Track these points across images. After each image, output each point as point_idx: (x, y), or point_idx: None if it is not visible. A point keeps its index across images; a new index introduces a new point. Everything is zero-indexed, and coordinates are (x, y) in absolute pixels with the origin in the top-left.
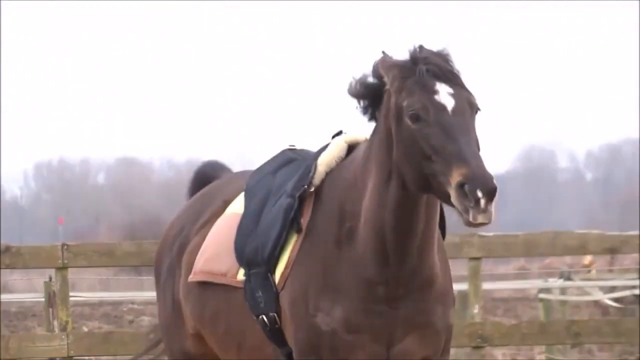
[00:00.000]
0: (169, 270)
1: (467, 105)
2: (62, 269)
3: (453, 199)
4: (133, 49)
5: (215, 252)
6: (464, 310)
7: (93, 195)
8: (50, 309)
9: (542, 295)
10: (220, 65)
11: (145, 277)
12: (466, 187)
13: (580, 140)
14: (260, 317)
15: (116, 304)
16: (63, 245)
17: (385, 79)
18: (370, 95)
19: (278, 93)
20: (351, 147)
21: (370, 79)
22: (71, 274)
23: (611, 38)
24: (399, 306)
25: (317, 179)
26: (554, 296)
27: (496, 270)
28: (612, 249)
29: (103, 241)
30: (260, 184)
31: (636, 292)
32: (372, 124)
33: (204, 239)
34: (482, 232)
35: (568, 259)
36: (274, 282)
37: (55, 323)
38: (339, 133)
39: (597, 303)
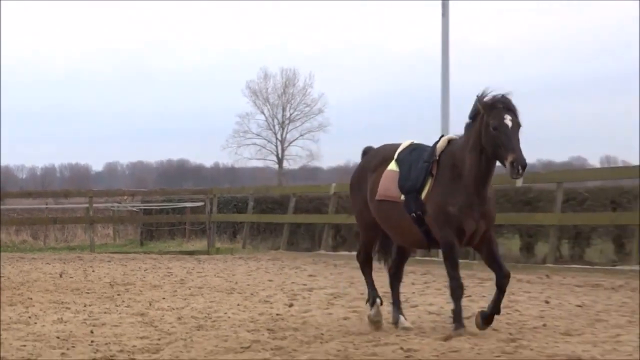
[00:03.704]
0: (358, 187)
1: (517, 125)
2: None
3: (507, 169)
4: None
5: (388, 186)
6: None
7: None
8: None
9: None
10: None
11: None
12: (514, 163)
13: None
14: (412, 214)
15: None
16: None
17: (481, 108)
18: (473, 114)
19: None
20: (449, 141)
21: (473, 108)
22: None
23: None
24: (481, 206)
25: (437, 154)
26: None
27: None
28: None
29: None
30: (405, 157)
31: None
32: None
33: (378, 178)
34: None
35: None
36: (420, 199)
37: None
38: (442, 136)
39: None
